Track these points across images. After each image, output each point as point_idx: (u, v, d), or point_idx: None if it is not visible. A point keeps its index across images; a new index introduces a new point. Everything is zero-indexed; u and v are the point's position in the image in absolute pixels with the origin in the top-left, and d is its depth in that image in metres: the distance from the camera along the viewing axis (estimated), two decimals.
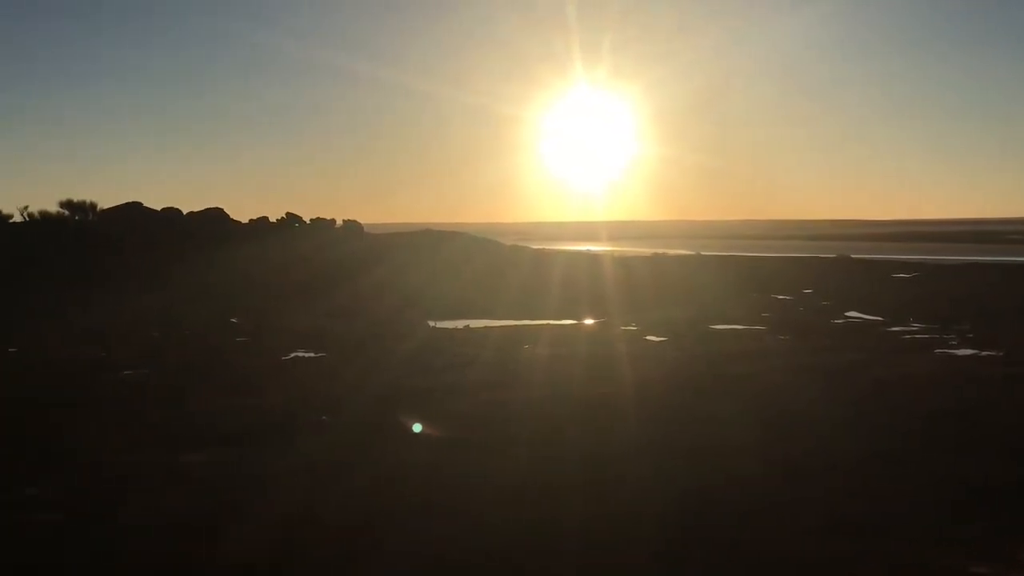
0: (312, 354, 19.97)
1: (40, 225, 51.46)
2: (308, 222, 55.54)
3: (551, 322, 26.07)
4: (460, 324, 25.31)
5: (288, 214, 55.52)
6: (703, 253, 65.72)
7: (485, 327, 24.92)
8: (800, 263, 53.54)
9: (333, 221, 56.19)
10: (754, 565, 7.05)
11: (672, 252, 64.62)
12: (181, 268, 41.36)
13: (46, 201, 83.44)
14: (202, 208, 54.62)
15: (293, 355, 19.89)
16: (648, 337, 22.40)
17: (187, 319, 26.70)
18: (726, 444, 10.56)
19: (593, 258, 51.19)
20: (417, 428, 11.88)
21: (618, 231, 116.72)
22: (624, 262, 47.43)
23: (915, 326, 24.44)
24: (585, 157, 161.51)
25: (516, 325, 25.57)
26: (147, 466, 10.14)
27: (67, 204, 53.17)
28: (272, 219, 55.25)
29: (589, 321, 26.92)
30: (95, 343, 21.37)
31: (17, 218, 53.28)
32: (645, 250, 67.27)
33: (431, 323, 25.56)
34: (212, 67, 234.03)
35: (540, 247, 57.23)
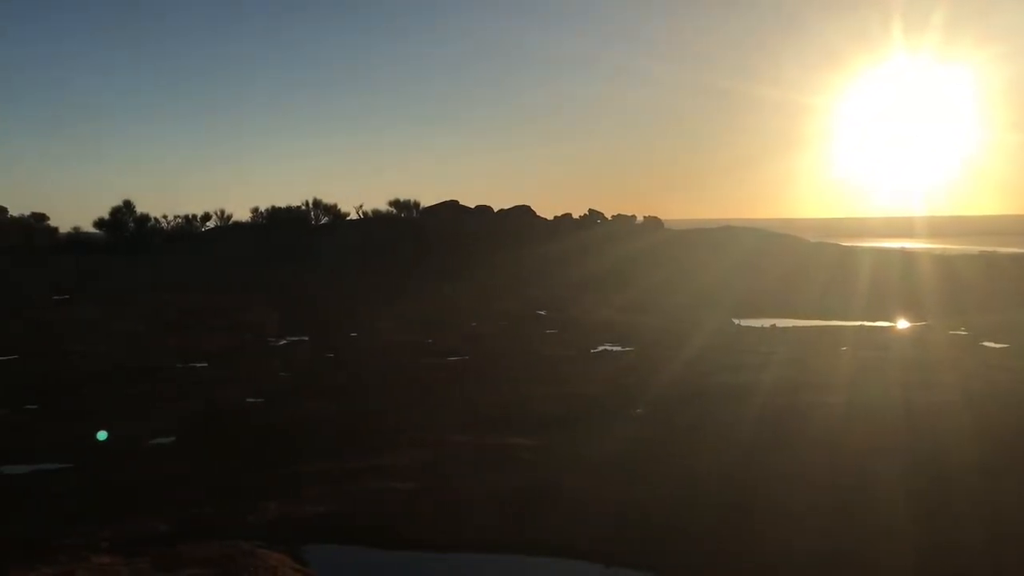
0: (619, 348, 20.61)
1: (373, 222, 57.16)
2: (609, 218, 56.85)
3: (862, 323, 24.81)
4: (765, 323, 24.84)
5: (590, 210, 57.20)
6: None
7: (793, 326, 24.28)
8: None
9: (634, 217, 57.14)
10: None
11: (1006, 250, 58.23)
12: (492, 261, 44.07)
13: (378, 200, 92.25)
14: (511, 205, 57.54)
15: (601, 348, 20.63)
16: (984, 343, 20.63)
17: (498, 310, 28.50)
18: None
19: (908, 256, 47.57)
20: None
21: (939, 227, 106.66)
22: (946, 261, 43.65)
23: None
24: (901, 145, 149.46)
25: (825, 325, 24.64)
26: (480, 445, 11.10)
27: (395, 203, 58.57)
28: (575, 215, 57.17)
29: (905, 323, 25.31)
30: (422, 330, 23.50)
31: (353, 216, 59.64)
32: (972, 248, 61.22)
33: (736, 321, 25.30)
34: (517, 72, 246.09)
35: (847, 244, 54.25)
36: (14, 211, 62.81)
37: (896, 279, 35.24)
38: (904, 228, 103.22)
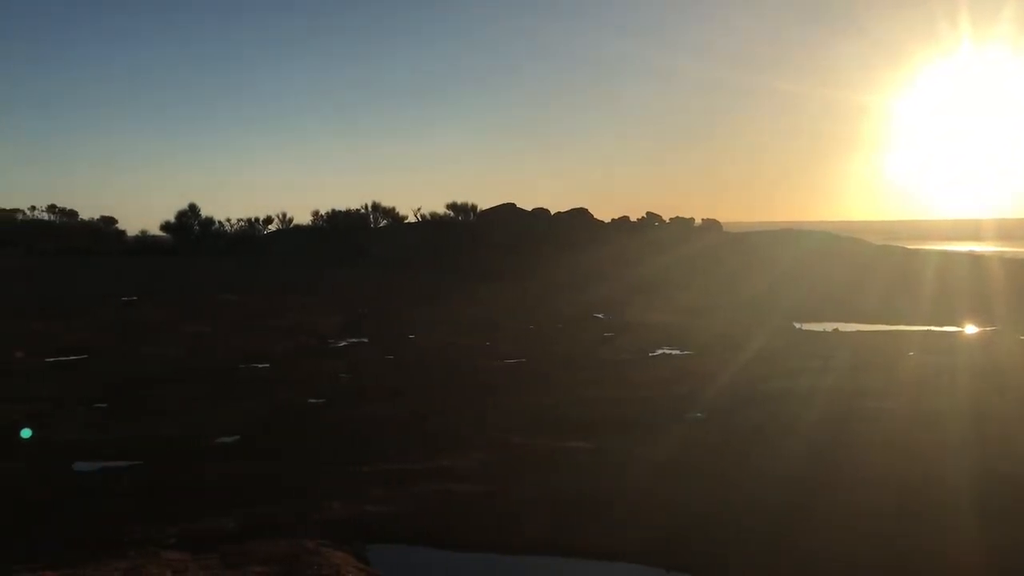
0: (678, 351, 20.45)
1: (430, 224, 57.59)
2: (667, 221, 56.46)
3: (928, 328, 24.25)
4: (827, 327, 24.42)
5: (648, 213, 56.91)
6: None
7: (855, 331, 23.83)
8: None
9: (692, 220, 56.65)
10: None
11: None
12: (548, 264, 44.10)
13: (435, 203, 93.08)
14: (568, 208, 57.50)
15: (659, 351, 20.49)
16: None
17: (555, 313, 28.51)
18: None
19: (976, 259, 46.37)
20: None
21: (1009, 230, 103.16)
22: (1016, 264, 42.42)
23: None
24: (967, 145, 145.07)
25: (889, 330, 24.14)
26: (539, 448, 11.11)
27: (452, 206, 58.95)
28: (632, 218, 56.89)
29: (973, 328, 24.66)
30: (479, 332, 23.60)
31: (411, 218, 60.19)
32: None
33: (796, 325, 24.92)
34: (576, 76, 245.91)
35: (912, 247, 53.06)
36: (84, 215, 64.82)
37: (964, 283, 34.38)
38: (971, 231, 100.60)
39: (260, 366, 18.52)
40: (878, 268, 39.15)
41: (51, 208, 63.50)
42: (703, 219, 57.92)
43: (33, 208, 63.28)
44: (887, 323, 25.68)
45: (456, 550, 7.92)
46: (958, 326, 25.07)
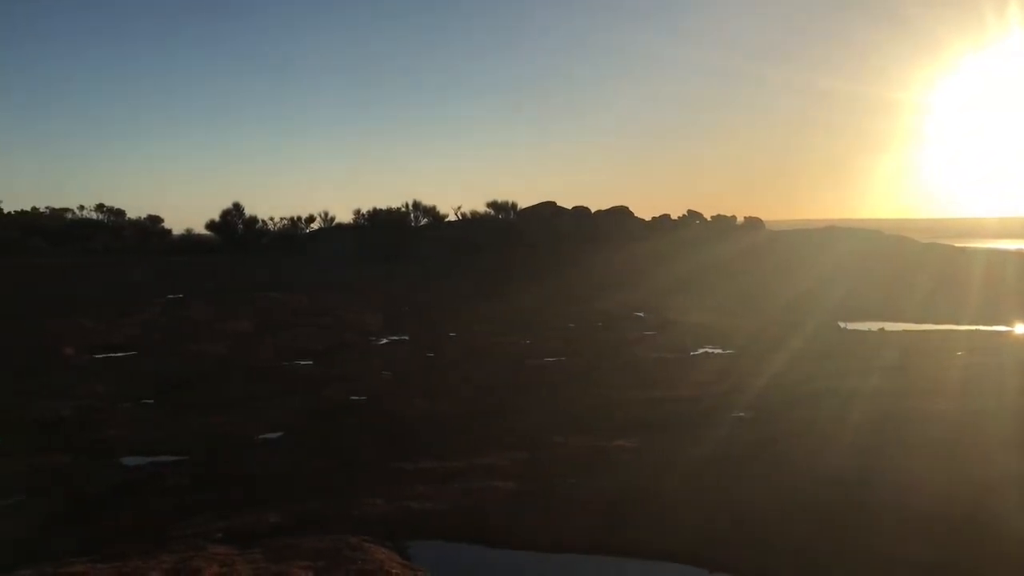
0: (720, 350, 20.28)
1: (471, 223, 57.73)
2: (709, 219, 56.00)
3: (976, 327, 23.79)
4: (872, 326, 24.06)
5: (689, 211, 56.48)
6: None
7: (902, 330, 23.45)
8: None
9: (734, 218, 56.14)
10: None
11: None
12: (589, 262, 43.97)
13: (476, 201, 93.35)
14: (609, 206, 57.26)
15: (701, 350, 20.34)
16: None
17: (596, 311, 28.43)
18: None
19: None
20: None
21: None
22: None
23: None
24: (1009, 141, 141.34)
25: (936, 330, 23.72)
26: (581, 447, 11.08)
27: (493, 204, 59.05)
28: (674, 216, 56.52)
29: (1023, 328, 24.16)
30: (519, 330, 23.60)
31: (452, 217, 60.41)
32: None
33: (841, 324, 24.58)
34: (617, 74, 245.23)
35: (960, 245, 52.10)
36: (131, 214, 65.97)
37: (1013, 281, 33.70)
38: (1020, 228, 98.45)
39: (303, 363, 18.73)
40: (925, 266, 38.48)
41: (99, 207, 64.65)
42: (745, 217, 57.36)
43: (82, 207, 64.46)
44: (934, 323, 25.23)
45: (498, 548, 7.94)
46: (1007, 325, 24.56)
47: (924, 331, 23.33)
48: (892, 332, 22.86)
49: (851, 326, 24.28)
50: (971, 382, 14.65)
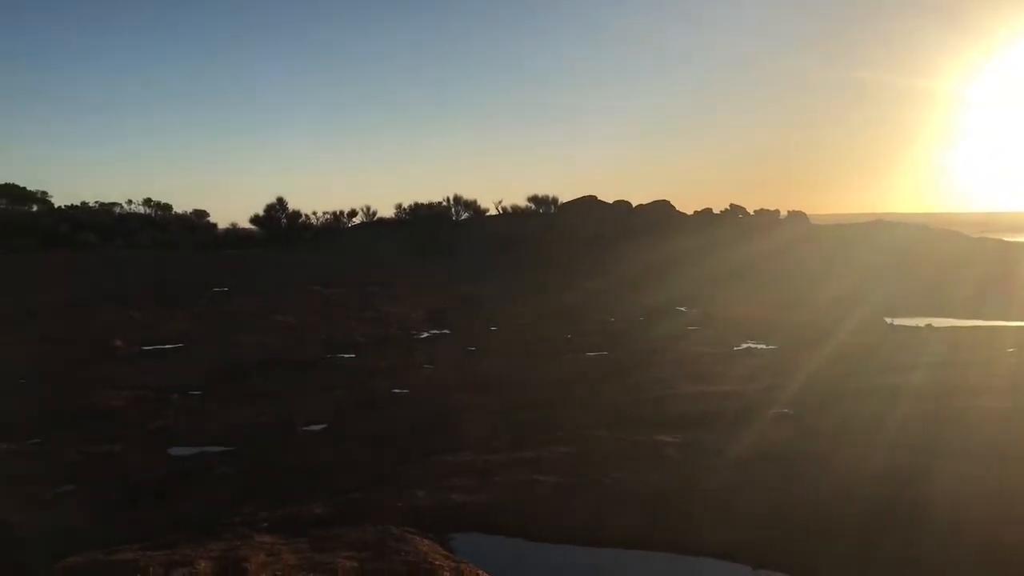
0: (763, 345, 20.09)
1: (512, 217, 57.74)
2: (752, 213, 55.41)
3: None
4: (920, 322, 23.65)
5: (732, 205, 55.91)
6: None
7: (950, 326, 23.02)
8: None
9: (777, 212, 55.48)
10: None
11: None
12: (630, 256, 43.77)
13: (517, 195, 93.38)
14: (650, 200, 56.92)
15: (744, 345, 20.16)
16: None
17: (637, 305, 28.30)
18: None
19: None
20: None
21: None
22: None
23: None
24: None
25: (986, 326, 23.24)
26: (623, 441, 11.03)
27: (534, 198, 59.02)
28: (716, 211, 56.01)
29: None
30: (560, 324, 23.59)
31: (492, 211, 60.49)
32: None
33: (888, 320, 24.19)
34: (658, 68, 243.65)
35: (1011, 239, 50.97)
36: (178, 208, 67.07)
37: None
38: None
39: (347, 356, 18.90)
40: (974, 261, 37.72)
41: (147, 202, 65.87)
42: (789, 211, 56.63)
43: (130, 202, 65.72)
44: (984, 319, 24.73)
45: (540, 541, 7.95)
46: None
47: (974, 327, 22.88)
48: (940, 328, 22.45)
49: (898, 322, 23.88)
50: (1022, 380, 14.34)
